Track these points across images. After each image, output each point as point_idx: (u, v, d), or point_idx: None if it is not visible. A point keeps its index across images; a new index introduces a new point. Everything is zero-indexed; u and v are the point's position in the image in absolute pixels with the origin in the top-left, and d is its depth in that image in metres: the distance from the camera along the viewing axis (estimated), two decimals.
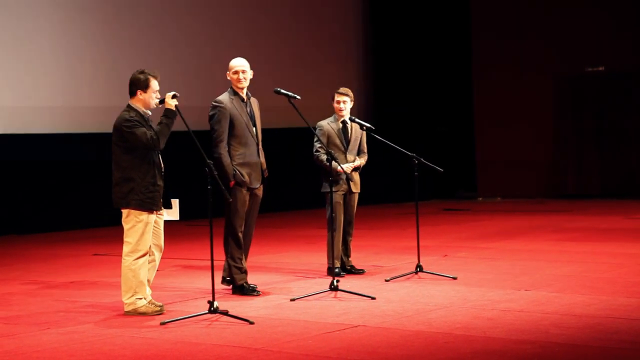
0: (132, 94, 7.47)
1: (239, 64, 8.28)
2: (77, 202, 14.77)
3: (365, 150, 9.43)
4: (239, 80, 8.26)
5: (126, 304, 7.44)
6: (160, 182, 7.46)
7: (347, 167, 9.11)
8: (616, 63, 17.91)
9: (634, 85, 17.86)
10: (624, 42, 17.81)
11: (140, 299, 7.42)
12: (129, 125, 7.31)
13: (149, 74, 7.45)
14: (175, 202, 7.66)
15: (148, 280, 7.55)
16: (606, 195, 17.85)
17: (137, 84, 7.43)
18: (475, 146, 19.36)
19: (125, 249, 7.42)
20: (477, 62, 19.17)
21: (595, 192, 18.09)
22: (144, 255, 7.41)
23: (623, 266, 9.32)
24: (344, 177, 9.09)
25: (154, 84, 7.44)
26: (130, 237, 7.39)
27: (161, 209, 7.51)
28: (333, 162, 8.55)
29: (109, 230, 14.20)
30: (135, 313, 7.41)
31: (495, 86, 18.97)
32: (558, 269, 9.24)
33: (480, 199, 18.95)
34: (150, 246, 7.47)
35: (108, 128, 15.36)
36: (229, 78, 8.31)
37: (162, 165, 7.56)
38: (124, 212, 7.43)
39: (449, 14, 19.57)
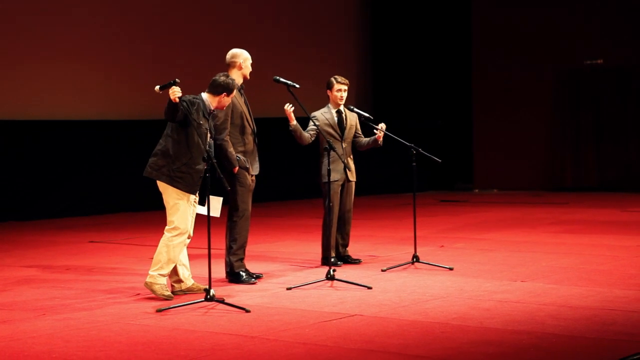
0: (214, 93, 7.59)
1: (249, 55, 8.39)
2: (75, 189, 14.74)
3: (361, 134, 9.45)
4: (250, 70, 8.35)
5: (150, 275, 7.53)
6: (197, 167, 7.46)
7: (382, 126, 9.13)
8: (615, 56, 17.90)
9: (632, 78, 17.86)
10: (623, 35, 17.79)
11: (163, 276, 7.50)
12: (184, 105, 7.41)
13: (236, 85, 7.74)
14: (216, 200, 7.60)
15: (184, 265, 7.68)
16: (603, 188, 17.87)
17: (226, 88, 7.59)
18: (472, 138, 19.36)
19: (168, 225, 7.56)
20: (476, 55, 19.15)
21: (593, 185, 18.10)
22: (182, 234, 7.50)
23: (620, 258, 9.32)
24: (341, 166, 9.06)
25: (237, 94, 7.74)
26: (171, 216, 7.53)
27: (192, 194, 7.51)
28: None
29: (106, 218, 14.20)
30: (149, 288, 7.51)
31: (493, 78, 18.96)
32: (555, 261, 9.24)
33: (477, 190, 18.95)
34: (189, 228, 7.56)
35: (108, 116, 15.24)
36: (238, 65, 8.30)
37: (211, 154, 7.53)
38: (164, 189, 7.50)
39: (448, 7, 19.53)
